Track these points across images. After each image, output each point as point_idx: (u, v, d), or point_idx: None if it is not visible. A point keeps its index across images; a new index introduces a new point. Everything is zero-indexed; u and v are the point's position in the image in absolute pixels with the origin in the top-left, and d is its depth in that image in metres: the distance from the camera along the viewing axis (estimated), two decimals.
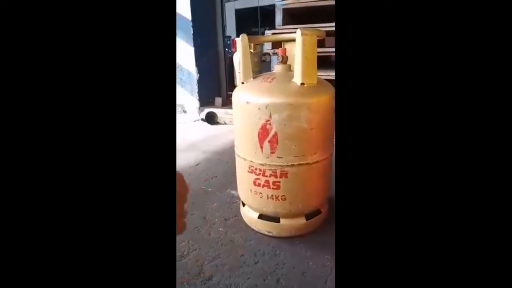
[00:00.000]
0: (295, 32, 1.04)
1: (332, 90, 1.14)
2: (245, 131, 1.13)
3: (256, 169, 1.13)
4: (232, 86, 4.01)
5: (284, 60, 1.17)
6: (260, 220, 1.21)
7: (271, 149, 1.08)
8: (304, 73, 1.04)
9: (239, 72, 3.95)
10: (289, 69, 1.17)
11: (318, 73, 1.10)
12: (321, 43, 2.31)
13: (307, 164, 1.10)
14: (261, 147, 1.09)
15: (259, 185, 1.14)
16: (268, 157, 1.09)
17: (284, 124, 1.04)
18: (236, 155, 1.23)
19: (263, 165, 1.11)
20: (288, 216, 1.18)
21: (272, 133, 1.05)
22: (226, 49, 4.27)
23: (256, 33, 3.83)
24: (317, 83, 1.08)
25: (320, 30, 1.09)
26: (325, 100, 1.08)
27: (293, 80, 1.07)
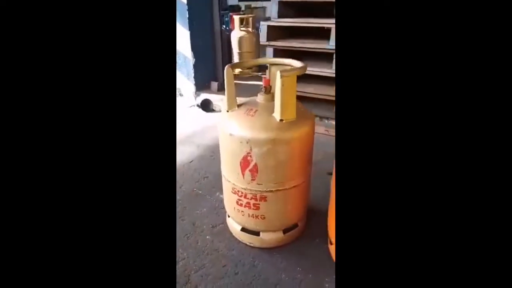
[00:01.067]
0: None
1: (310, 120, 1.22)
2: (229, 158, 1.23)
3: (238, 191, 1.24)
4: None
5: (267, 90, 1.23)
6: (243, 232, 1.35)
7: (252, 177, 1.18)
8: (283, 110, 1.11)
9: (238, 52, 3.89)
10: (272, 99, 1.22)
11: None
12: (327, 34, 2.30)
13: (284, 189, 1.21)
14: (243, 174, 1.19)
15: (241, 205, 1.27)
16: (249, 183, 1.20)
17: (264, 157, 1.13)
18: (222, 175, 1.33)
19: (244, 189, 1.22)
20: (267, 231, 1.32)
21: (252, 163, 1.15)
22: (224, 26, 4.17)
23: None
24: (296, 117, 1.15)
25: (301, 67, 1.13)
26: (303, 133, 1.17)
27: (273, 115, 1.14)
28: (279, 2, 2.35)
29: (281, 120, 1.12)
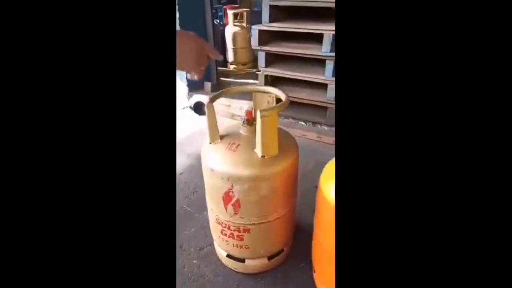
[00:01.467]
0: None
1: (293, 152, 1.20)
2: (211, 192, 1.22)
3: (222, 222, 1.25)
4: (224, 63, 3.91)
5: (250, 122, 1.21)
6: (228, 258, 1.37)
7: (234, 211, 1.18)
8: (265, 147, 1.09)
9: (232, 48, 3.83)
10: (255, 130, 1.20)
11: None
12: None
13: (267, 221, 1.21)
14: (225, 208, 1.19)
15: (225, 235, 1.27)
16: (232, 216, 1.20)
17: (246, 193, 1.12)
18: (207, 203, 1.33)
19: (227, 221, 1.22)
20: (251, 258, 1.33)
21: (234, 199, 1.15)
22: (217, 21, 4.05)
23: None
24: (278, 151, 1.13)
25: (281, 104, 1.10)
26: (286, 167, 1.15)
27: (255, 150, 1.12)
28: (270, 6, 2.27)
29: (263, 156, 1.11)
